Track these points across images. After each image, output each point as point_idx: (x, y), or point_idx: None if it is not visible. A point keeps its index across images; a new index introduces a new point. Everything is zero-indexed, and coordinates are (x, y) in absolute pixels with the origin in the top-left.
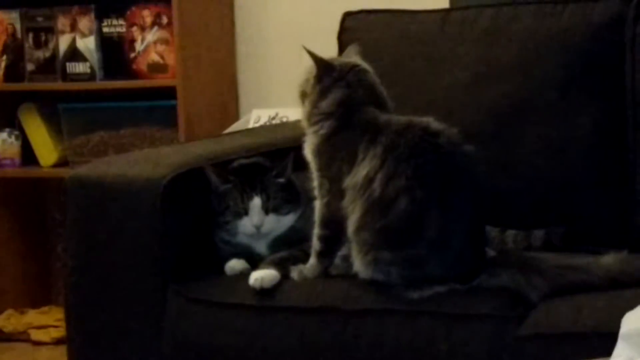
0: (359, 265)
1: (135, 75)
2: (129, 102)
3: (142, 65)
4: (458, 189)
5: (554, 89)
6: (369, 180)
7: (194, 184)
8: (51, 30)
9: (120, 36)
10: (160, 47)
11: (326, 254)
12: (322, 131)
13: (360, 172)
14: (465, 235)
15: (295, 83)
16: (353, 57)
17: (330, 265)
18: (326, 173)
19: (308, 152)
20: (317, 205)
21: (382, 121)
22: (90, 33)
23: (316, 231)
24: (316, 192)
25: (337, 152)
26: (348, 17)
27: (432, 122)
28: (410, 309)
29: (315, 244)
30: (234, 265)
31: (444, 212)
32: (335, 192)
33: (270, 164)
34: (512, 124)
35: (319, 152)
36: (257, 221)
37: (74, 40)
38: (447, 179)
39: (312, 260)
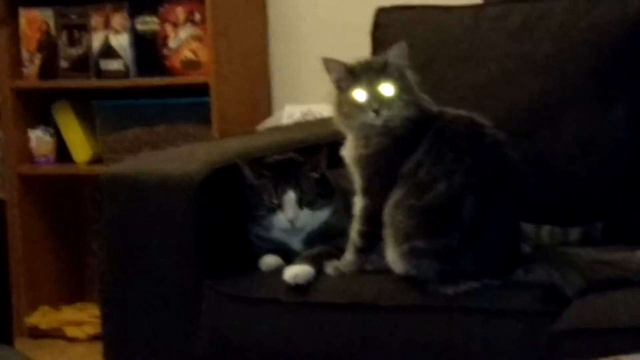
0: (392, 258)
1: (168, 72)
2: (162, 99)
3: (175, 62)
4: (496, 182)
5: (588, 85)
6: (417, 166)
7: (229, 181)
8: (85, 28)
9: (153, 33)
10: (194, 44)
11: (365, 250)
12: (388, 141)
13: (413, 159)
14: (501, 228)
15: (327, 79)
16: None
17: (366, 261)
18: (381, 170)
19: (356, 155)
20: (361, 201)
21: (436, 111)
22: (124, 30)
23: (358, 227)
24: (358, 188)
25: (397, 153)
26: (381, 12)
27: (480, 118)
28: (445, 304)
29: (356, 240)
30: (269, 261)
31: (480, 201)
32: (384, 187)
33: (304, 160)
34: (546, 120)
35: (379, 157)
36: (291, 215)
37: (107, 38)
38: (487, 170)
39: (350, 255)
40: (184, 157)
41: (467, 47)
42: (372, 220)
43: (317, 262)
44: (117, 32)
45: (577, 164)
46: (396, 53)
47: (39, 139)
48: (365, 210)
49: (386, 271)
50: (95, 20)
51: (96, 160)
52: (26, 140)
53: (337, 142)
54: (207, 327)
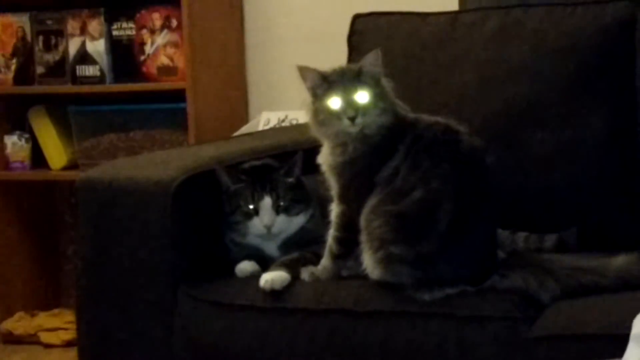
0: (369, 264)
1: (144, 78)
2: (138, 104)
3: (151, 68)
4: (473, 188)
5: (564, 91)
6: (394, 172)
7: (205, 186)
8: (61, 34)
9: (129, 39)
10: (170, 50)
11: (342, 257)
12: (364, 148)
13: (390, 166)
14: (477, 234)
15: (304, 86)
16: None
17: (343, 268)
18: (357, 177)
19: (332, 162)
20: (337, 208)
21: (412, 118)
22: (100, 36)
23: (334, 233)
24: (334, 195)
25: (374, 159)
26: (358, 19)
27: (456, 124)
28: (421, 310)
29: (333, 246)
30: (245, 267)
31: (456, 208)
32: (361, 194)
33: (279, 166)
34: (523, 126)
35: (356, 164)
36: (267, 221)
37: (83, 44)
38: (464, 177)
39: (326, 262)
40: (159, 162)
41: (443, 54)
42: (349, 226)
43: (293, 268)
44: (93, 37)
45: (553, 170)
46: (371, 60)
47: (14, 144)
48: (341, 217)
49: (363, 277)
50: (72, 25)
51: (72, 166)
52: (2, 146)
53: (313, 148)
54: (183, 333)
